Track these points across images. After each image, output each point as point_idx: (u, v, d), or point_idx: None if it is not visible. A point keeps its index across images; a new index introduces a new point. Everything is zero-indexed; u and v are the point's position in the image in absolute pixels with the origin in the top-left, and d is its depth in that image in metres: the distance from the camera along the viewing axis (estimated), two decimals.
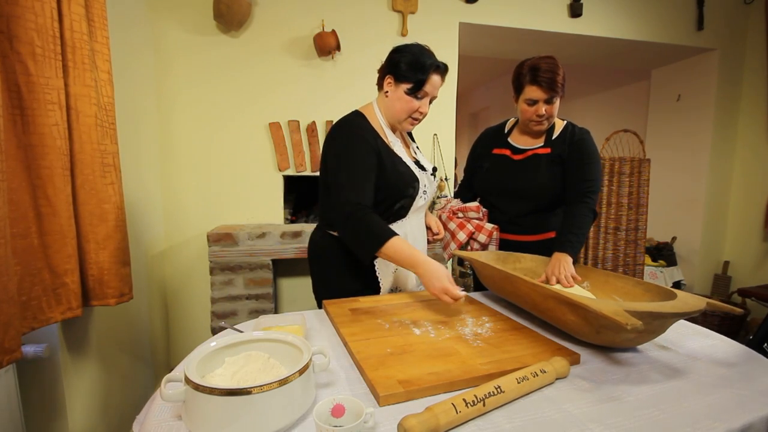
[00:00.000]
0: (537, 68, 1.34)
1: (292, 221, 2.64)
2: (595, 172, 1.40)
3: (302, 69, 2.44)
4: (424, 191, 1.30)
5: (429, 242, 1.44)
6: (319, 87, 2.47)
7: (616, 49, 3.24)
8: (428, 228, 1.44)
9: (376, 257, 1.14)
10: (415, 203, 1.28)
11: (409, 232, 1.30)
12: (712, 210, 3.43)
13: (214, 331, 2.17)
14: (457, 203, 1.58)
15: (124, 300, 1.36)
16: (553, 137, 1.46)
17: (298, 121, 2.44)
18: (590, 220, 1.36)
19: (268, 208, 2.49)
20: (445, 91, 2.67)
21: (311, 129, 2.45)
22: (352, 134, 1.21)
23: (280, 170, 2.46)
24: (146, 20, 2.12)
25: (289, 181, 2.59)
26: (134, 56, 1.97)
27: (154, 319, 2.15)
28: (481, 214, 1.52)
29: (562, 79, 1.35)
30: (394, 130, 1.31)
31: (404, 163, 1.26)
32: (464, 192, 1.67)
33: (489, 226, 1.48)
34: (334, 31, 2.33)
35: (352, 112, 1.29)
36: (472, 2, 2.65)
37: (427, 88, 1.21)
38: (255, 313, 2.20)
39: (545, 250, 1.41)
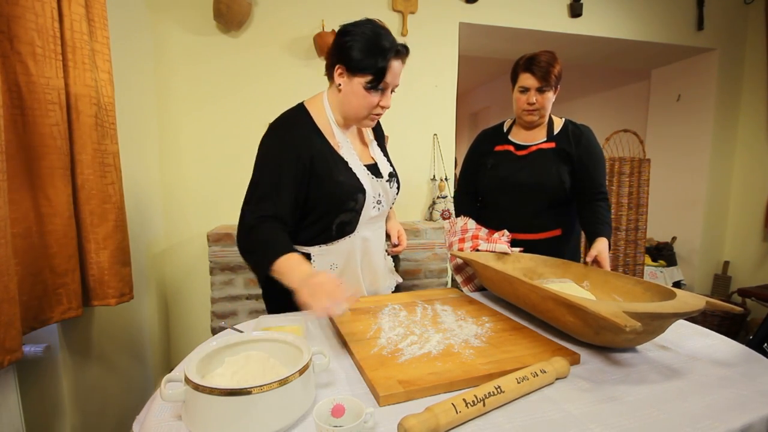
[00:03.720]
0: (534, 58, 1.38)
1: None
2: (605, 171, 1.48)
3: (302, 69, 2.44)
4: (378, 201, 1.15)
5: (388, 253, 1.30)
6: (319, 87, 2.44)
7: (616, 49, 3.24)
8: (388, 237, 1.27)
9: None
10: (363, 216, 1.13)
11: (359, 248, 1.16)
12: (712, 210, 3.43)
13: (214, 331, 2.17)
14: (476, 229, 1.50)
15: (125, 300, 1.36)
16: (555, 133, 1.47)
17: None
18: (610, 213, 1.44)
19: None
20: (445, 91, 2.69)
21: None
22: (278, 137, 1.07)
23: None
24: (146, 21, 2.12)
25: None
26: (134, 56, 1.97)
27: (154, 319, 2.15)
28: (507, 240, 1.43)
29: (557, 72, 1.37)
30: (347, 127, 1.15)
31: (349, 170, 1.10)
32: (466, 198, 1.63)
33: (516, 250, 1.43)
34: (334, 31, 2.32)
35: (295, 107, 1.13)
36: (472, 2, 2.65)
37: (388, 78, 1.03)
38: (255, 313, 2.20)
39: (551, 248, 1.42)
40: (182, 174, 2.34)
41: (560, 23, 2.85)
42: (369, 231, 1.19)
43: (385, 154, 1.27)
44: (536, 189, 1.44)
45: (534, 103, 1.39)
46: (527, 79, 1.39)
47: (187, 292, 2.40)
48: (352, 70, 1.02)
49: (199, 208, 2.38)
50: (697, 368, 0.85)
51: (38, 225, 1.09)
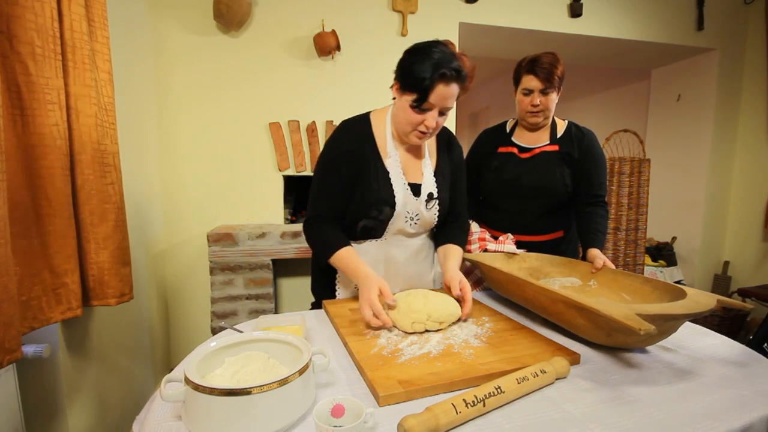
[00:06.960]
0: (536, 60, 1.37)
1: (292, 221, 2.64)
2: (605, 175, 1.48)
3: (302, 69, 2.44)
4: (412, 218, 1.18)
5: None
6: (319, 87, 2.47)
7: (616, 49, 3.24)
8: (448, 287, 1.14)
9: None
10: (390, 227, 1.18)
11: (383, 258, 1.22)
12: (712, 210, 3.43)
13: (214, 331, 2.17)
14: (480, 231, 1.52)
15: (125, 300, 1.36)
16: (558, 136, 1.46)
17: (298, 121, 2.44)
18: (607, 220, 1.45)
19: (268, 208, 2.49)
20: None
21: (311, 129, 2.45)
22: (331, 144, 1.17)
23: (280, 170, 2.46)
24: (146, 20, 2.12)
25: (289, 181, 2.59)
26: (134, 56, 1.97)
27: (154, 319, 2.14)
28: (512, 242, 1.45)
29: (560, 73, 1.36)
30: (402, 141, 1.17)
31: (388, 181, 1.14)
32: (468, 199, 1.62)
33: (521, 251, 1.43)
34: (334, 31, 2.33)
35: (362, 114, 1.21)
36: (472, 2, 2.65)
37: (433, 99, 1.02)
38: (255, 313, 2.20)
39: (554, 249, 1.42)
40: (182, 174, 2.34)
41: (560, 23, 2.85)
42: (399, 242, 1.23)
43: (437, 176, 1.22)
44: (540, 192, 1.44)
45: (538, 105, 1.38)
46: (530, 81, 1.37)
47: (187, 292, 2.40)
48: (402, 87, 1.06)
49: (199, 208, 2.38)
50: (698, 368, 0.85)
51: (38, 225, 1.09)
